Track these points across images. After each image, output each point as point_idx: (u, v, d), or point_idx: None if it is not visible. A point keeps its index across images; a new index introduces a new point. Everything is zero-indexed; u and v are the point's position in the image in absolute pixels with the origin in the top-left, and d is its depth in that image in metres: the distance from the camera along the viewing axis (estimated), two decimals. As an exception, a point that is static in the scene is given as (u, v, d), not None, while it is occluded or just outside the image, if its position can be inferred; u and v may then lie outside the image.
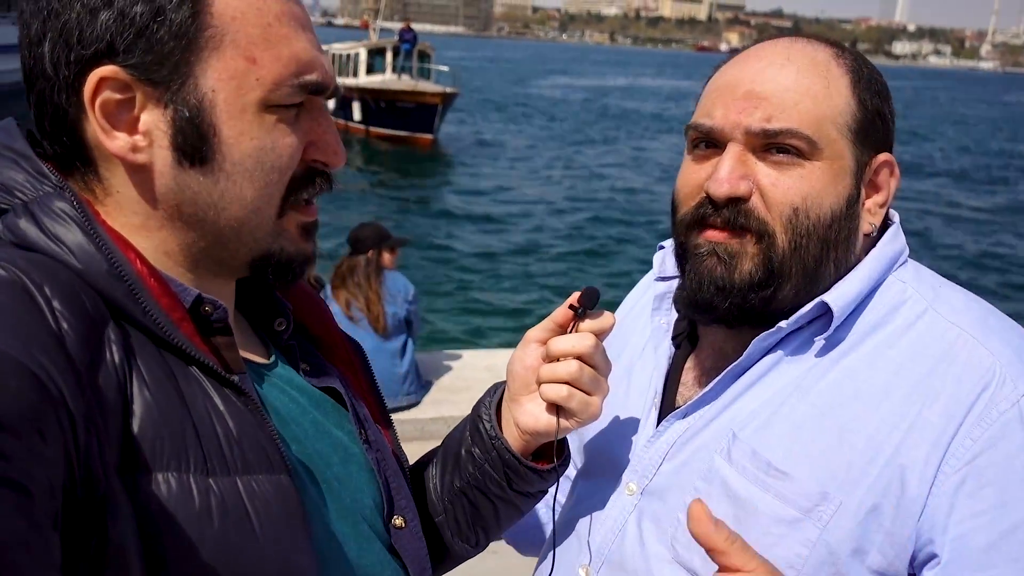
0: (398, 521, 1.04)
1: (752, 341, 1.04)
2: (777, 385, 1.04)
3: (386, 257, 5.45)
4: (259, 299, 1.04)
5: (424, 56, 28.01)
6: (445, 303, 11.17)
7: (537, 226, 16.45)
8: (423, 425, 5.27)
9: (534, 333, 1.12)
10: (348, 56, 27.39)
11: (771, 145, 1.01)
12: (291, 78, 0.85)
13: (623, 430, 1.19)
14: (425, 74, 27.61)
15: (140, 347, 0.79)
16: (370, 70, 26.94)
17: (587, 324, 1.07)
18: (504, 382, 1.17)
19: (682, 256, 1.10)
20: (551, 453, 1.14)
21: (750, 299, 1.03)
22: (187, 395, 0.81)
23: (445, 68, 28.33)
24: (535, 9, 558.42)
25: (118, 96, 0.81)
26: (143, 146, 0.83)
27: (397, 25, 32.20)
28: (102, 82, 0.80)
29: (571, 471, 1.30)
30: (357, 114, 25.82)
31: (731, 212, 1.03)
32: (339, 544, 0.92)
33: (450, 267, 13.00)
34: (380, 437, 1.09)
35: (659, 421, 1.14)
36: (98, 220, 0.83)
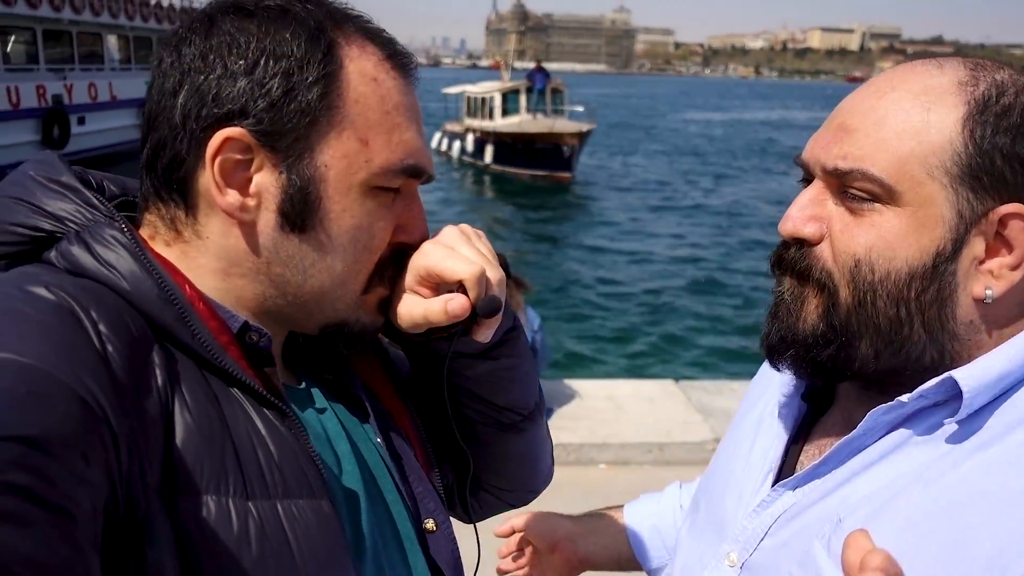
0: (429, 525, 1.04)
1: (868, 414, 0.92)
2: (898, 470, 0.90)
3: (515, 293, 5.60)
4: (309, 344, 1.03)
5: (557, 94, 28.36)
6: (569, 332, 11.29)
7: (669, 260, 16.33)
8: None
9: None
10: (483, 99, 28.23)
11: (845, 187, 0.91)
12: (397, 164, 0.90)
13: (738, 489, 1.10)
14: (559, 112, 27.96)
15: (184, 370, 0.81)
16: (504, 112, 27.54)
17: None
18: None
19: None
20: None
21: (819, 355, 0.94)
22: (229, 418, 0.82)
23: (580, 108, 28.59)
24: (677, 45, 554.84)
25: (238, 156, 0.85)
26: (251, 206, 0.87)
27: (528, 65, 32.69)
28: (227, 141, 0.84)
29: (688, 507, 1.23)
30: (492, 156, 26.56)
31: (796, 254, 0.96)
32: (377, 563, 0.92)
33: (576, 298, 13.12)
34: (402, 443, 1.07)
35: (774, 485, 1.04)
36: (147, 248, 0.85)
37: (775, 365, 1.00)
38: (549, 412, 5.78)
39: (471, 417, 1.11)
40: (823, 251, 0.94)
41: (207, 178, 0.85)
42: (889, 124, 0.89)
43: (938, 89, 0.90)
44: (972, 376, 0.86)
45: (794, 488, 1.00)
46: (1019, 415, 0.86)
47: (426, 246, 0.98)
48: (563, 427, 5.57)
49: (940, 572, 0.81)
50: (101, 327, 0.74)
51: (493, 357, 1.08)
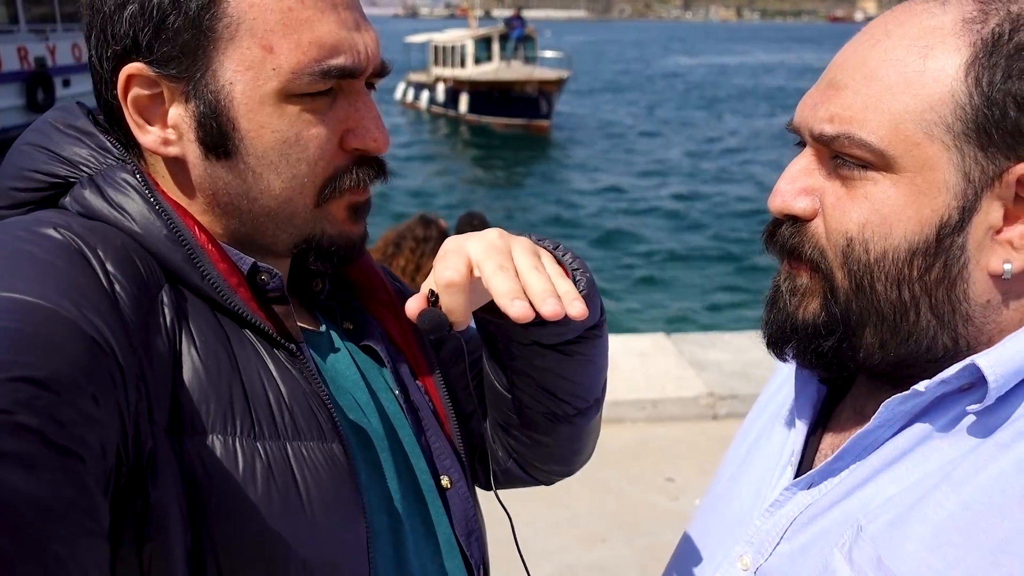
0: (444, 481, 1.02)
1: (883, 404, 0.82)
2: (923, 468, 0.80)
3: None
4: (307, 264, 0.97)
5: (528, 41, 28.18)
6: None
7: (653, 208, 16.44)
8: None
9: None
10: (453, 47, 27.80)
11: (836, 154, 0.81)
12: (312, 65, 0.82)
13: (756, 484, 1.01)
14: (531, 59, 27.82)
15: (195, 311, 0.81)
16: (476, 60, 27.25)
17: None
18: None
19: None
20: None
21: (821, 346, 0.86)
22: (240, 359, 0.81)
23: (549, 53, 28.46)
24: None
25: (147, 92, 0.83)
26: (173, 139, 0.84)
27: (505, 13, 32.24)
28: (130, 79, 0.82)
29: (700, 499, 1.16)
30: (469, 105, 26.38)
31: (788, 232, 0.86)
32: (392, 511, 0.92)
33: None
34: (420, 396, 1.05)
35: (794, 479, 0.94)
36: (159, 190, 0.85)
37: (778, 355, 0.92)
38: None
39: (524, 402, 1.06)
40: (817, 227, 0.84)
41: (128, 120, 0.84)
42: (880, 78, 0.78)
43: (938, 31, 0.77)
44: (998, 362, 0.76)
45: (808, 487, 0.90)
46: None
47: (458, 238, 0.89)
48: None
49: None
50: (109, 266, 0.74)
51: (566, 352, 1.01)
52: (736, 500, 1.03)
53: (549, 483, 1.22)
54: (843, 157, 0.80)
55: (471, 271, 0.85)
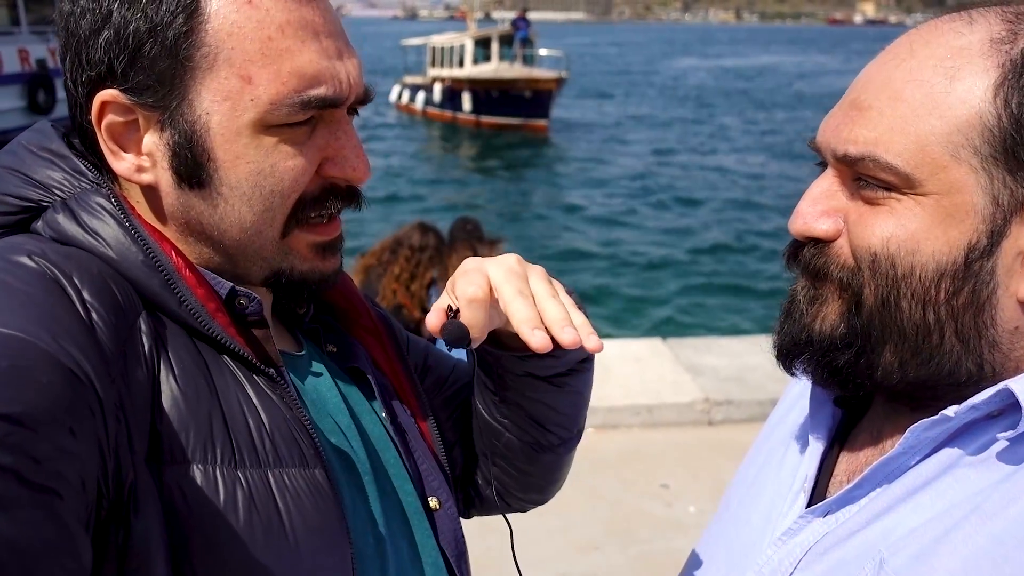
0: (432, 503, 1.02)
1: (908, 429, 0.79)
2: (949, 499, 0.77)
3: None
4: (287, 287, 0.95)
5: (527, 43, 28.32)
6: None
7: (651, 213, 16.45)
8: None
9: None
10: (452, 48, 27.88)
11: (859, 175, 0.80)
12: (291, 96, 0.80)
13: (767, 509, 0.98)
14: (530, 60, 27.94)
15: (173, 338, 0.80)
16: (476, 61, 27.35)
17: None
18: None
19: None
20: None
21: (836, 359, 0.84)
22: (219, 386, 0.80)
23: (544, 52, 28.55)
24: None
25: (122, 119, 0.81)
26: (147, 167, 0.83)
27: (508, 15, 32.42)
28: (105, 105, 0.80)
29: (711, 522, 1.11)
30: (467, 105, 26.41)
31: (811, 251, 0.85)
32: (377, 535, 0.91)
33: (558, 255, 13.21)
34: (407, 418, 1.05)
35: (809, 506, 0.91)
36: (134, 215, 0.83)
37: (788, 369, 0.90)
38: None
39: (512, 432, 1.09)
40: (841, 247, 0.83)
41: (102, 146, 0.83)
42: (906, 98, 0.77)
43: (966, 51, 0.76)
44: None
45: (825, 515, 0.87)
46: None
47: (477, 260, 0.93)
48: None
49: None
50: (85, 294, 0.73)
51: (558, 384, 1.05)
52: (745, 526, 1.00)
53: (523, 511, 1.24)
54: (866, 179, 0.79)
55: (491, 291, 0.89)
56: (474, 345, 0.90)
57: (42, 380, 0.62)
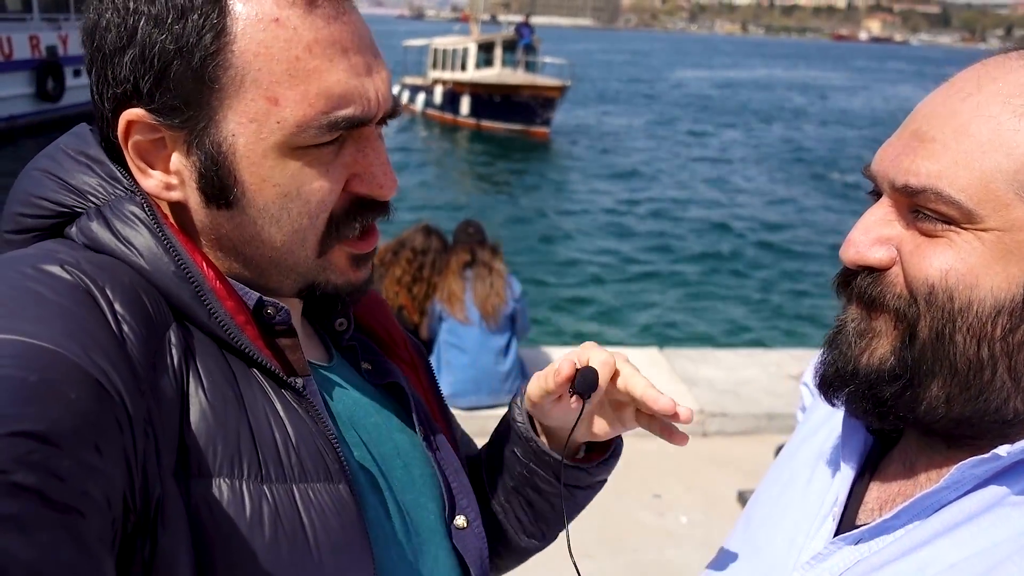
0: (460, 521, 1.02)
1: (956, 467, 0.79)
2: (992, 536, 0.77)
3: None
4: (320, 298, 0.96)
5: (531, 50, 28.22)
6: (550, 297, 11.43)
7: (652, 221, 16.49)
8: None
9: (534, 397, 1.04)
10: (455, 51, 27.73)
11: (916, 207, 0.80)
12: (319, 117, 0.79)
13: (791, 533, 0.97)
14: (532, 67, 27.87)
15: (202, 350, 0.80)
16: (478, 65, 27.21)
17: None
18: None
19: None
20: (599, 445, 1.13)
21: (881, 392, 0.83)
22: (247, 399, 0.80)
23: (548, 59, 28.44)
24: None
25: (149, 137, 0.81)
26: (175, 184, 0.83)
27: (515, 18, 32.32)
28: (131, 124, 0.80)
29: (730, 541, 1.10)
30: (465, 108, 26.32)
31: (865, 281, 0.84)
32: (400, 553, 0.91)
33: (557, 263, 13.24)
34: (441, 436, 1.07)
35: (837, 532, 0.91)
36: (167, 224, 0.83)
37: (828, 400, 0.89)
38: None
39: (510, 524, 1.18)
40: (897, 276, 0.82)
41: (130, 164, 0.82)
42: (972, 133, 0.76)
43: None
44: None
45: (857, 543, 0.86)
46: None
47: (584, 345, 1.01)
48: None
49: None
50: (117, 306, 0.73)
51: (592, 487, 1.15)
52: (767, 547, 0.99)
53: (539, 549, 1.28)
54: (925, 211, 0.79)
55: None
56: (595, 399, 0.99)
57: (71, 395, 0.61)
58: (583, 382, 0.95)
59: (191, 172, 0.82)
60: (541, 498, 1.13)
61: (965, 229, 0.77)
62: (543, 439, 1.12)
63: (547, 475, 1.11)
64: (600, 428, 1.06)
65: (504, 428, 1.17)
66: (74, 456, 0.58)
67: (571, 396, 0.98)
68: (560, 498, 1.12)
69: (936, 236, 0.78)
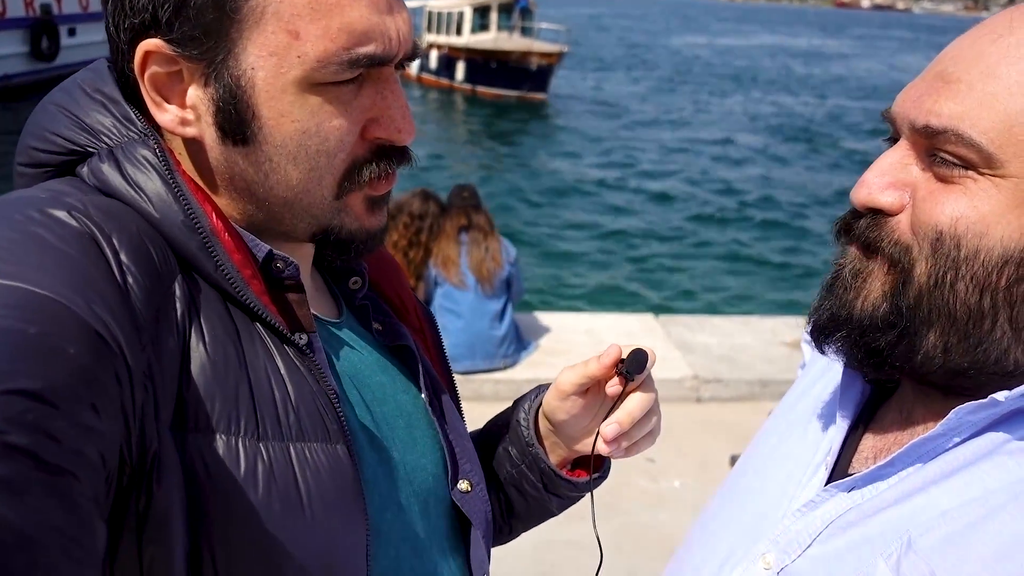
0: (463, 485, 1.02)
1: (953, 411, 0.78)
2: (986, 484, 0.76)
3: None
4: (335, 251, 0.95)
5: (527, 13, 27.89)
6: (545, 262, 11.45)
7: (648, 186, 16.45)
8: (518, 386, 5.01)
9: (568, 384, 1.04)
10: (450, 14, 27.32)
11: (935, 149, 0.77)
12: (340, 53, 0.77)
13: (783, 481, 0.97)
14: (528, 32, 27.56)
15: (207, 303, 0.78)
16: (473, 30, 26.84)
17: (635, 398, 1.02)
18: (547, 385, 1.14)
19: None
20: (588, 463, 1.15)
21: (875, 340, 0.81)
22: (248, 355, 0.79)
23: (545, 25, 28.16)
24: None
25: (166, 69, 0.79)
26: (191, 120, 0.81)
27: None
28: (148, 55, 0.78)
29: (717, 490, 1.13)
30: (462, 74, 26.06)
31: (867, 223, 0.82)
32: (396, 514, 0.91)
33: (555, 229, 13.24)
34: (448, 400, 1.08)
35: (829, 480, 0.91)
36: (179, 171, 0.81)
37: (821, 347, 0.88)
38: (528, 346, 5.60)
39: (523, 498, 1.19)
40: (900, 222, 0.80)
41: (145, 96, 0.80)
42: (1000, 75, 0.73)
43: None
44: None
45: (850, 490, 0.86)
46: None
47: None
48: (540, 362, 5.42)
49: None
50: (123, 256, 0.71)
51: (571, 499, 1.19)
52: (760, 495, 1.00)
53: (499, 544, 1.32)
54: (943, 154, 0.76)
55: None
56: (638, 382, 1.03)
57: (70, 350, 0.60)
58: (633, 361, 1.00)
59: (208, 106, 0.80)
60: (522, 498, 1.17)
61: (982, 175, 0.75)
62: (542, 448, 1.14)
63: (536, 480, 1.14)
64: (584, 443, 1.12)
65: (501, 425, 1.18)
66: (70, 416, 0.57)
67: (618, 377, 1.01)
68: (538, 502, 1.17)
69: (952, 182, 0.76)
